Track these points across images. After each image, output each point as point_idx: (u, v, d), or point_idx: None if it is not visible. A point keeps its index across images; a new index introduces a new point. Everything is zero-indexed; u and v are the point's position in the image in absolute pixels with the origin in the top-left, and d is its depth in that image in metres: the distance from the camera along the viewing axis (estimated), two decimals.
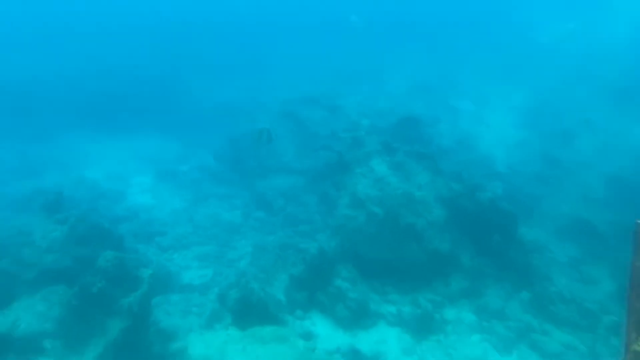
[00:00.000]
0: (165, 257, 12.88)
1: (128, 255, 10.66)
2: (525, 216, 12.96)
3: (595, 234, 11.85)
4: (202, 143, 20.54)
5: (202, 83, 26.24)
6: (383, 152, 13.41)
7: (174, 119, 22.55)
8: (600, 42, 20.59)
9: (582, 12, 25.45)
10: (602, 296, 10.09)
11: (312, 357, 8.75)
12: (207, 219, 14.93)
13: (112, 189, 16.84)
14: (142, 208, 15.58)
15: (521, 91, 18.23)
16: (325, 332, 9.67)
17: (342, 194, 12.75)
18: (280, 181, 16.46)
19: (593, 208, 12.70)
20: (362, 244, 11.36)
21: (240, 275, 10.96)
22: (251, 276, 10.71)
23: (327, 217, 13.57)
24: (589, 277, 10.94)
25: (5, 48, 29.84)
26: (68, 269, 10.35)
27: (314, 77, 23.49)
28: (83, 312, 8.81)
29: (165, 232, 14.03)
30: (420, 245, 10.99)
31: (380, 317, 10.03)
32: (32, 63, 27.07)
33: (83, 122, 20.83)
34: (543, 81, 19.21)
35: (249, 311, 9.11)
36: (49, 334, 8.73)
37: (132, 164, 18.90)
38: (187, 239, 13.77)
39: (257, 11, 44.67)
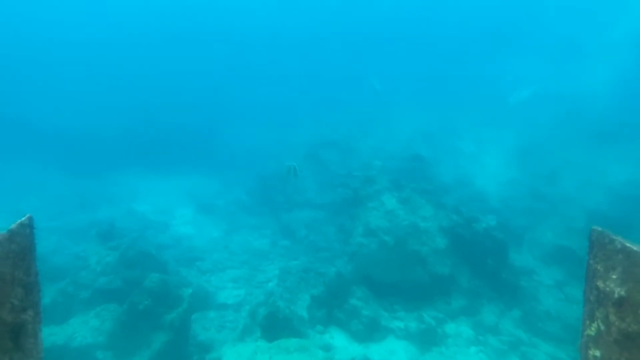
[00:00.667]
0: (204, 279, 13.03)
1: (171, 278, 10.88)
2: (515, 244, 13.08)
3: (577, 260, 11.77)
4: (236, 181, 20.89)
5: (237, 129, 26.76)
6: (392, 188, 13.62)
7: (212, 160, 23.08)
8: (578, 91, 20.56)
9: (558, 65, 25.50)
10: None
11: None
12: (240, 246, 15.21)
13: (158, 220, 17.26)
14: (184, 237, 15.85)
15: (511, 136, 18.26)
16: (342, 344, 9.81)
17: (356, 225, 12.85)
18: (303, 214, 16.79)
19: (575, 237, 12.56)
20: (374, 268, 11.50)
21: (268, 295, 11.35)
22: (278, 296, 10.90)
23: (344, 245, 13.64)
24: (572, 297, 10.98)
25: (65, 99, 31.32)
26: (119, 289, 10.75)
27: (333, 124, 23.90)
28: (131, 326, 9.19)
29: (204, 257, 14.31)
30: (424, 269, 11.19)
31: (389, 332, 10.19)
32: (88, 112, 28.27)
33: (133, 162, 21.56)
34: (530, 127, 19.22)
35: (275, 326, 9.28)
36: (101, 346, 9.11)
37: (176, 198, 19.23)
38: (223, 263, 14.02)
39: (285, 66, 45.59)
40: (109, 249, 12.14)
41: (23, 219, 2.03)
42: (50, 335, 9.31)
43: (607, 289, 2.23)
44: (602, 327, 2.26)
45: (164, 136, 25.31)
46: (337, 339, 10.09)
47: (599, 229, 2.36)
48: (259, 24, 48.71)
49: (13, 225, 1.95)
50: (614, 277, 2.21)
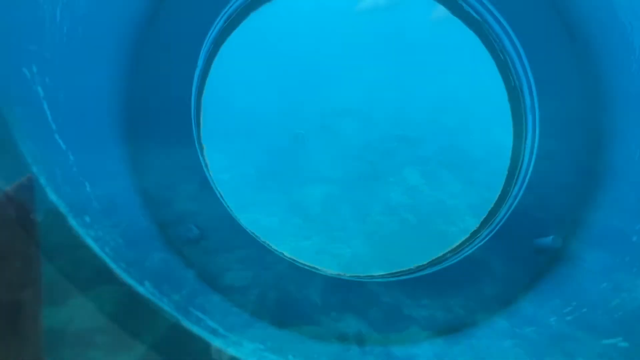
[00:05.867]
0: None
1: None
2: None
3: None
4: (243, 153, 20.28)
5: (245, 96, 25.59)
6: (415, 161, 13.43)
7: (217, 130, 22.06)
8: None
9: None
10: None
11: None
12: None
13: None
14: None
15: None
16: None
17: (375, 202, 12.62)
18: (316, 189, 16.42)
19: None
20: (395, 250, 11.10)
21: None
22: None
23: (361, 223, 13.18)
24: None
25: None
26: (119, 269, 10.68)
27: (350, 90, 23.32)
28: (132, 309, 9.16)
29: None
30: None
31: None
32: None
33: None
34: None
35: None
36: (100, 330, 9.06)
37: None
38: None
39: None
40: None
41: (23, 179, 1.89)
42: (45, 317, 8.95)
43: None
44: None
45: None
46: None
47: None
48: None
49: (9, 188, 1.80)
50: None
